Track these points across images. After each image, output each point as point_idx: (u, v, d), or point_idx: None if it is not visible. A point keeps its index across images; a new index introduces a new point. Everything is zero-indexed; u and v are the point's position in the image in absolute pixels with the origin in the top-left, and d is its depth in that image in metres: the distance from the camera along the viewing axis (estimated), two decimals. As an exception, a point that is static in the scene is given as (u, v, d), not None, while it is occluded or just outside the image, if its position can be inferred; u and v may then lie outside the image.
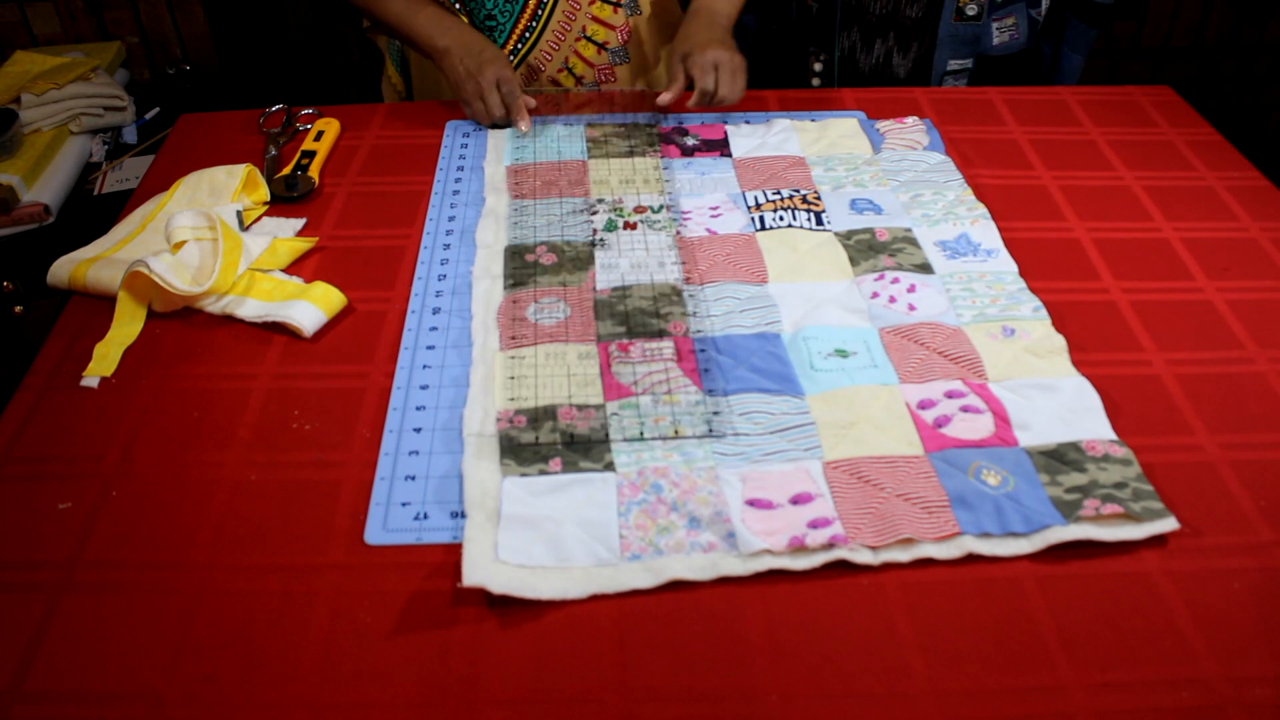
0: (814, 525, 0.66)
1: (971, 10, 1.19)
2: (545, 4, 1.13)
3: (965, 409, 0.75)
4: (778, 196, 0.98)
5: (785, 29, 1.29)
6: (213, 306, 0.85)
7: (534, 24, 1.13)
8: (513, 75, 1.10)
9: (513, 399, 0.76)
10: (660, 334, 0.82)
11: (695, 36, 1.09)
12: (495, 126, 1.11)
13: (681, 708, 0.58)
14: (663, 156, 1.05)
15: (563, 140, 1.07)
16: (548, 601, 0.63)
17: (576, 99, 1.17)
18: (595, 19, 1.14)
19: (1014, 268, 0.90)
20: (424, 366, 0.80)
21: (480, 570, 0.63)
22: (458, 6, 1.15)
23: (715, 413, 0.74)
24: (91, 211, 1.48)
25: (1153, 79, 2.21)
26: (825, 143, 1.07)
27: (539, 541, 0.66)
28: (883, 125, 1.10)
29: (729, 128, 1.10)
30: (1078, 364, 0.80)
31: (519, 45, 1.15)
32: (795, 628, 0.62)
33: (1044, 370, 0.79)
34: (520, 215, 0.96)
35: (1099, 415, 0.75)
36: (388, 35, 1.25)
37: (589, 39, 1.15)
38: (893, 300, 0.86)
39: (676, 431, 0.71)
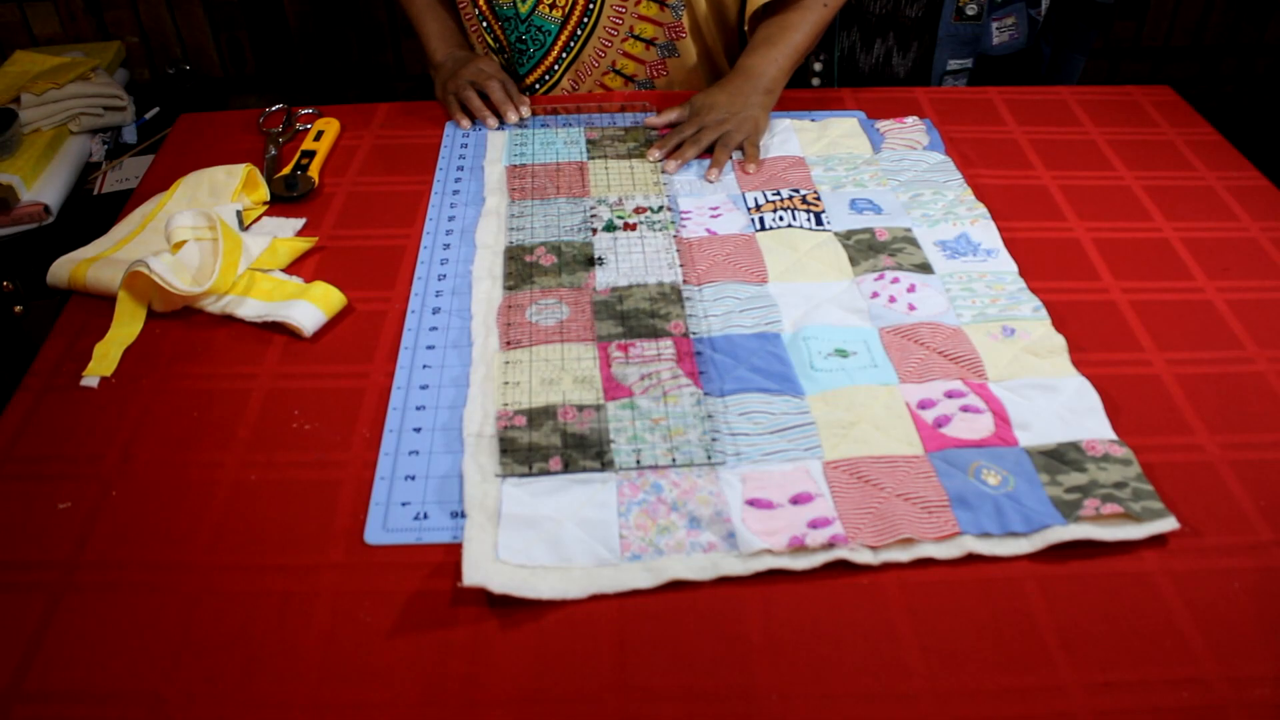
0: (814, 525, 0.66)
1: (971, 10, 1.19)
2: (592, 8, 1.12)
3: (965, 409, 0.75)
4: (777, 197, 0.98)
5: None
6: (213, 306, 0.85)
7: (580, 29, 1.12)
8: (494, 73, 1.11)
9: (512, 399, 0.76)
10: (659, 334, 0.82)
11: (717, 86, 1.08)
12: (477, 122, 1.11)
13: (681, 708, 0.58)
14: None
15: (562, 142, 1.07)
16: (548, 601, 0.63)
17: (576, 99, 1.17)
18: (642, 17, 1.13)
19: (1014, 268, 0.90)
20: (424, 366, 0.80)
21: (480, 570, 0.63)
22: (486, 25, 1.15)
23: (710, 415, 0.74)
24: (91, 211, 1.48)
25: (1153, 79, 2.20)
26: (825, 143, 1.07)
27: (539, 541, 0.66)
28: (883, 125, 1.10)
29: (729, 128, 1.10)
30: (1078, 364, 0.80)
31: (564, 54, 1.15)
32: (795, 628, 0.62)
33: (1044, 370, 0.79)
34: (520, 217, 0.96)
35: (1099, 415, 0.75)
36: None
37: (637, 37, 1.14)
38: (893, 300, 0.86)
39: (674, 459, 0.71)
